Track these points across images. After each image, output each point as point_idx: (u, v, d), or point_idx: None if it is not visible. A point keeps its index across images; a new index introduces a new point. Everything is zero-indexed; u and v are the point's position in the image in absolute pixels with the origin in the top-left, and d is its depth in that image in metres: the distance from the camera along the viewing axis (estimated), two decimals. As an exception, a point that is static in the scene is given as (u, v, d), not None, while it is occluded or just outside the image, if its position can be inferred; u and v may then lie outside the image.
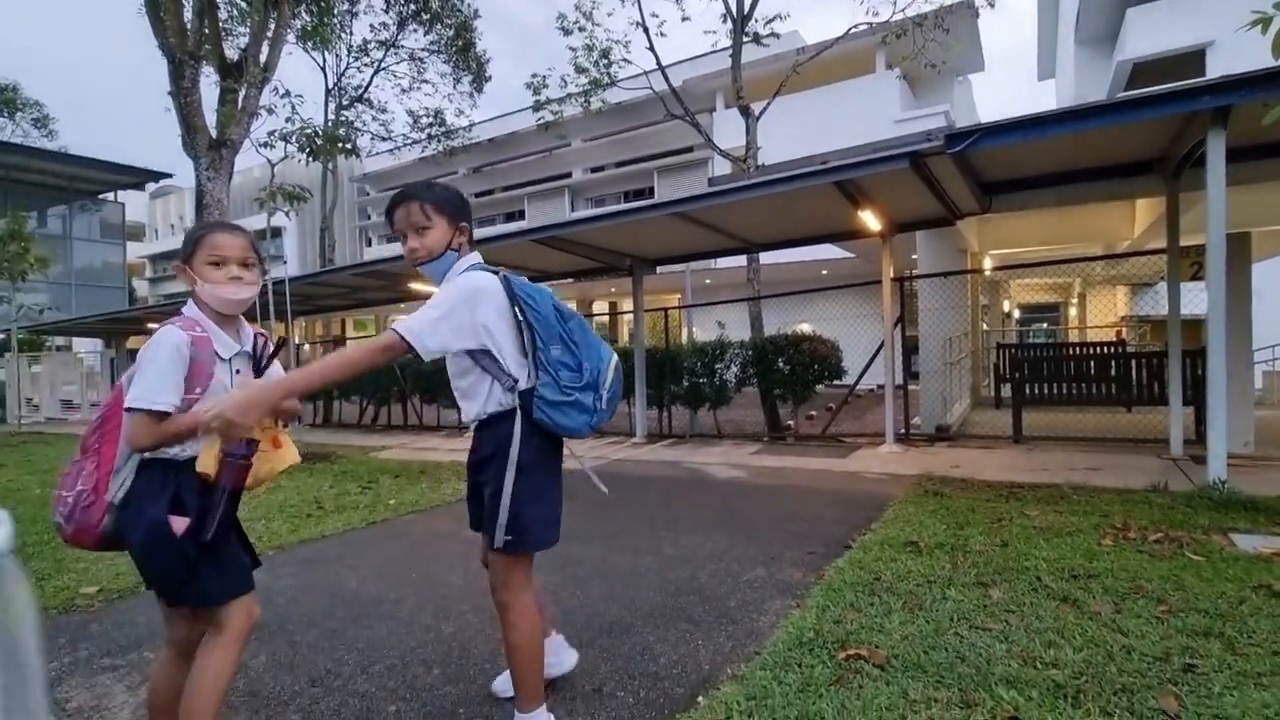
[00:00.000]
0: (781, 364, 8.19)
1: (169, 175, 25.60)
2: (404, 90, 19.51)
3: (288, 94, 13.17)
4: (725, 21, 11.04)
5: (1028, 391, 7.46)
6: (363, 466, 7.34)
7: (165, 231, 43.54)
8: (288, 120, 13.27)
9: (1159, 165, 5.77)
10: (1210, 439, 4.40)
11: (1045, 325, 20.59)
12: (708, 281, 19.44)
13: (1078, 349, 9.07)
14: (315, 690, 2.39)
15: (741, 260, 10.05)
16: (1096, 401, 7.21)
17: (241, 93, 10.31)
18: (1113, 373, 7.20)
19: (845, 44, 11.98)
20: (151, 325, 16.34)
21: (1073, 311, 18.83)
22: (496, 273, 1.99)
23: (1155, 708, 1.98)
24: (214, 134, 10.25)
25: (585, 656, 2.55)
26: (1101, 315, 16.54)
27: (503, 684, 2.27)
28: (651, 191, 25.84)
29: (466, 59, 18.10)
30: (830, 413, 8.50)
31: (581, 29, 12.46)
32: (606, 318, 26.79)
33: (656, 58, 11.68)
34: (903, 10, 10.98)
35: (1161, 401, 6.34)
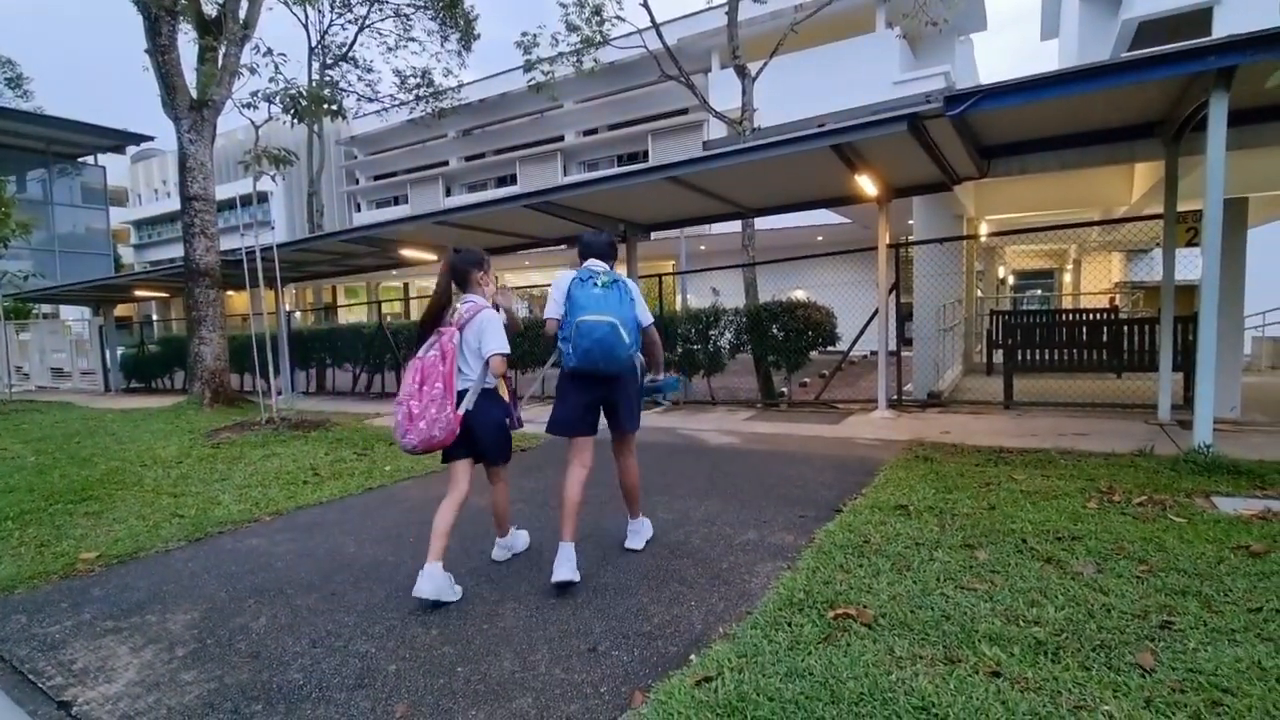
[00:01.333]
0: (776, 330, 8.18)
1: (150, 138, 24.99)
2: (390, 49, 18.94)
3: (270, 52, 12.77)
4: (721, -24, 10.72)
5: (1019, 358, 7.51)
6: (358, 434, 7.36)
7: (149, 196, 42.66)
8: (271, 80, 12.91)
9: (1160, 129, 5.70)
10: (1197, 403, 4.45)
11: (1040, 291, 20.62)
12: (702, 247, 19.29)
13: (1069, 315, 9.10)
14: (316, 651, 2.44)
15: (736, 226, 9.97)
16: (1087, 368, 7.27)
17: (221, 50, 9.99)
18: (1104, 339, 7.25)
19: (845, 1, 11.66)
20: (141, 293, 16.15)
21: (1067, 278, 18.83)
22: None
23: (1132, 663, 2.05)
24: (194, 94, 9.97)
25: (580, 617, 2.61)
26: (1096, 281, 16.56)
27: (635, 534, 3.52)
28: (645, 155, 25.40)
29: (454, 15, 17.54)
30: (823, 379, 8.54)
31: (573, -16, 12.07)
32: (600, 284, 26.72)
33: (650, 14, 11.35)
34: (904, -35, 10.68)
35: (1152, 368, 6.39)
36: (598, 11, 12.13)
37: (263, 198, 29.51)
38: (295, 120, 10.11)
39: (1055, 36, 25.85)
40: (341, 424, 8.15)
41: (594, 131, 27.64)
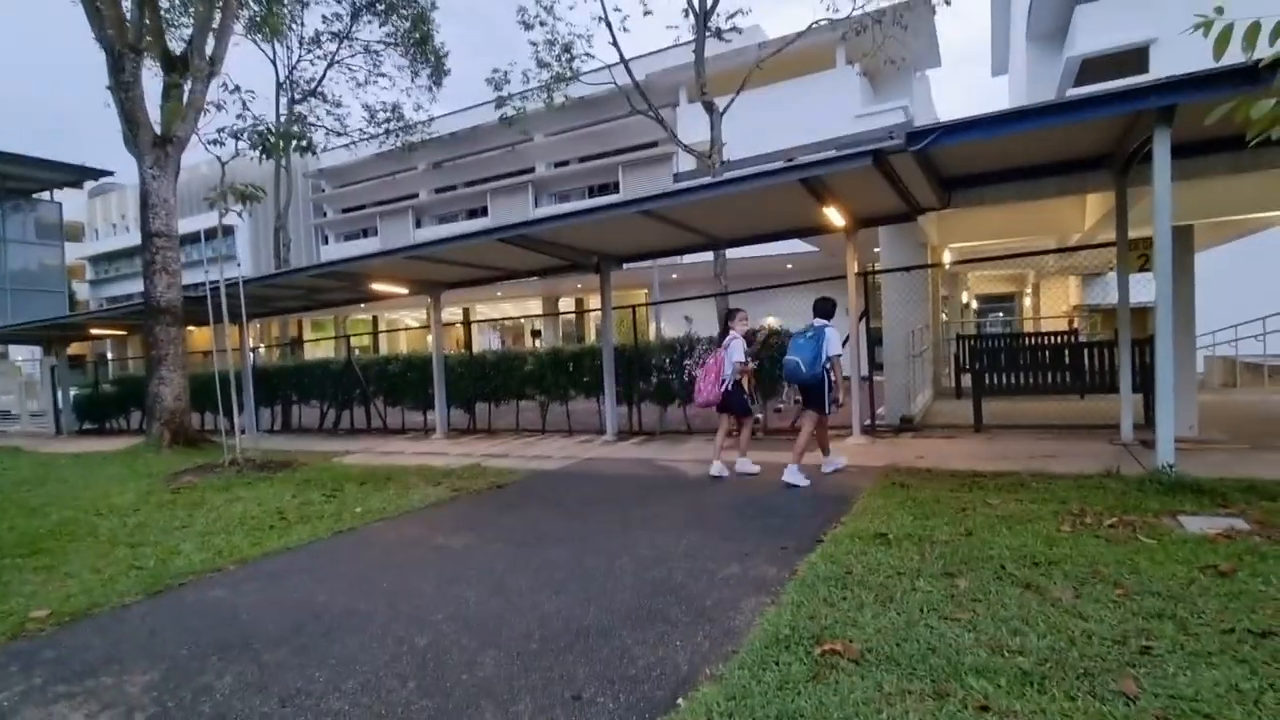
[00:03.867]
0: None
1: (109, 173, 24.41)
2: (359, 84, 19.00)
3: (237, 89, 12.70)
4: (687, 16, 11.04)
5: (986, 381, 7.69)
6: (326, 474, 7.15)
7: (107, 231, 41.60)
8: (238, 117, 12.82)
9: (1108, 161, 5.99)
10: (1158, 424, 4.60)
11: (1002, 315, 21.25)
12: (674, 277, 19.49)
13: (1032, 339, 9.39)
14: (286, 711, 2.32)
15: (708, 255, 10.11)
16: (1052, 390, 7.47)
17: (187, 87, 9.89)
18: (1066, 361, 7.48)
19: (806, 39, 12.11)
20: (96, 331, 15.63)
21: (1027, 301, 19.48)
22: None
23: (1116, 690, 2.06)
24: (158, 130, 9.82)
25: (563, 661, 2.54)
26: (1054, 305, 17.16)
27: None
28: (616, 186, 25.76)
29: (424, 51, 17.71)
30: (798, 405, 8.61)
31: (543, 23, 12.32)
32: (573, 315, 26.70)
33: (619, 52, 11.63)
34: (862, 6, 11.15)
35: (1113, 389, 6.60)
36: (567, 49, 12.38)
37: (227, 231, 29.01)
38: (264, 157, 10.02)
39: (1005, 73, 27.18)
40: (309, 463, 7.92)
41: (565, 164, 27.97)
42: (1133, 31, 15.81)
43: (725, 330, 6.02)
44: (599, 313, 9.27)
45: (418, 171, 30.73)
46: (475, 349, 11.39)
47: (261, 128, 11.23)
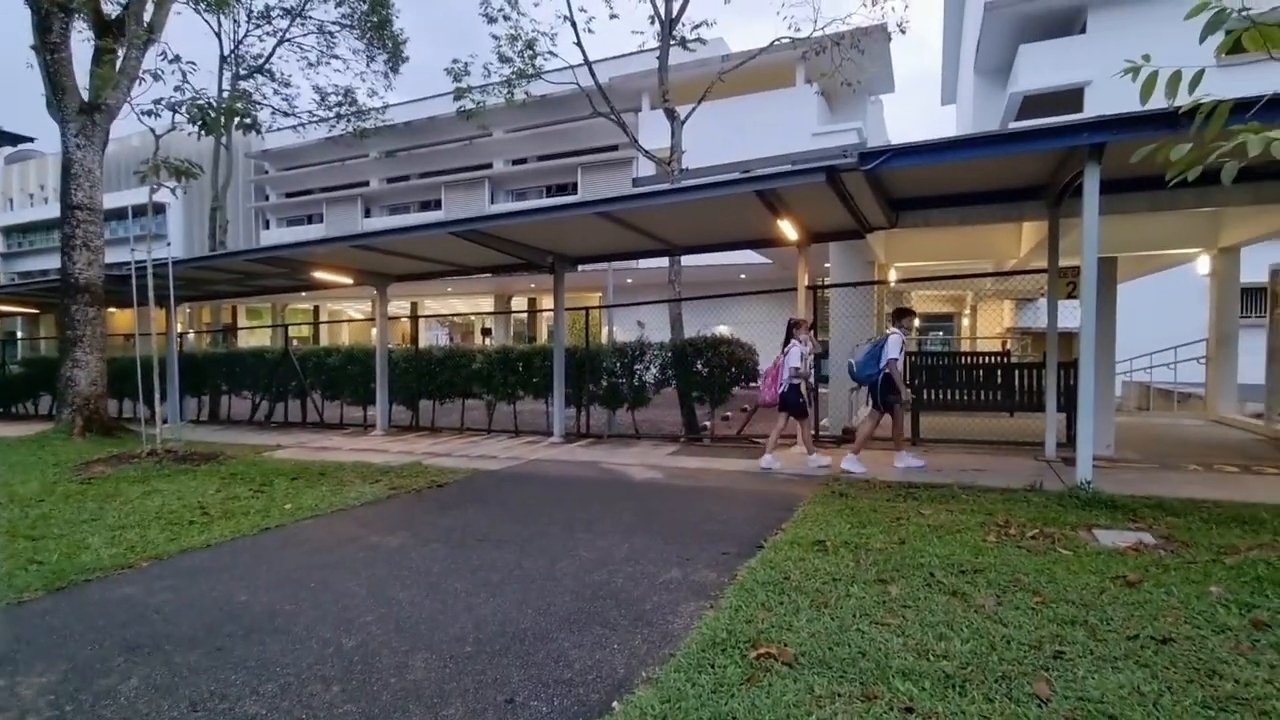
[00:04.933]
0: (700, 366, 8.34)
1: (29, 139, 22.70)
2: (311, 64, 18.29)
3: (177, 59, 12.02)
4: (653, 24, 11.11)
5: (925, 397, 7.99)
6: (255, 468, 6.82)
7: (22, 201, 38.70)
8: (177, 89, 12.14)
9: (1044, 192, 6.33)
10: (1079, 443, 4.88)
11: (941, 334, 22.18)
12: (629, 281, 19.53)
13: (968, 358, 9.82)
14: (196, 715, 2.19)
15: (663, 261, 10.17)
16: (985, 407, 7.83)
17: (121, 53, 9.31)
18: (998, 381, 7.85)
19: (768, 56, 12.36)
20: (5, 308, 14.51)
21: (965, 322, 20.39)
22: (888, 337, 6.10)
23: (1030, 693, 2.15)
24: (86, 96, 9.20)
25: (497, 665, 2.49)
26: (990, 326, 18.03)
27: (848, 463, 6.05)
28: (575, 187, 25.66)
29: (382, 36, 17.20)
30: (745, 414, 8.75)
31: (506, 18, 12.16)
32: (525, 315, 26.39)
33: (584, 53, 11.59)
34: (822, 29, 11.46)
35: (1039, 408, 6.96)
36: (530, 46, 12.26)
37: (159, 209, 27.48)
38: (203, 132, 9.51)
39: (954, 102, 28.45)
40: (237, 456, 7.54)
41: (523, 161, 27.68)
42: (1070, 73, 16.83)
43: (789, 337, 6.50)
44: (551, 313, 9.19)
45: (369, 159, 29.82)
46: (422, 344, 11.09)
47: (202, 102, 10.66)
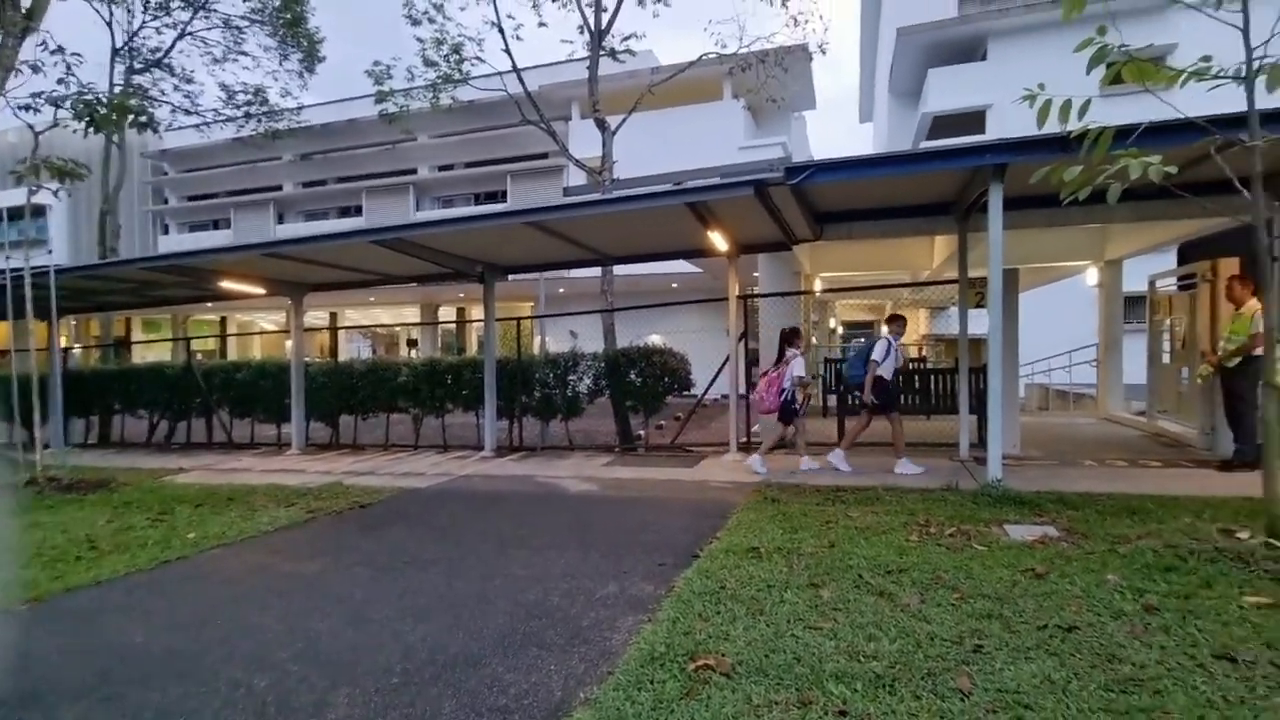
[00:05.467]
0: (634, 376, 8.34)
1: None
2: (216, 60, 17.17)
3: (60, 50, 10.99)
4: (582, 34, 11.12)
5: (849, 402, 8.30)
6: (153, 495, 6.27)
7: (-126, 198, 34.31)
8: (60, 82, 11.10)
9: (953, 208, 6.74)
10: (990, 445, 5.20)
11: (863, 341, 23.23)
12: (561, 290, 19.38)
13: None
14: (78, 780, 1.96)
15: (596, 271, 10.14)
16: (904, 411, 8.20)
17: (-6, 40, 8.41)
18: (916, 385, 8.27)
19: (696, 70, 12.62)
20: None
21: (884, 329, 21.41)
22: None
23: (954, 688, 2.24)
24: (-49, 85, 8.25)
25: (427, 695, 2.37)
26: (907, 334, 19.03)
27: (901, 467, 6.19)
28: (504, 195, 25.25)
29: (295, 34, 16.38)
30: (679, 422, 8.82)
31: (431, 20, 11.86)
32: (454, 325, 25.69)
33: (512, 60, 11.45)
34: (747, 46, 11.81)
35: (953, 411, 7.37)
36: (457, 50, 12.00)
37: (38, 212, 25.04)
38: (91, 130, 8.71)
39: (871, 121, 30.01)
40: (132, 483, 6.91)
41: (450, 168, 27.02)
42: (973, 96, 18.10)
43: (782, 348, 6.53)
44: (482, 323, 8.97)
45: (283, 162, 28.27)
46: (343, 357, 10.57)
47: (90, 97, 9.77)
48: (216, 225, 30.29)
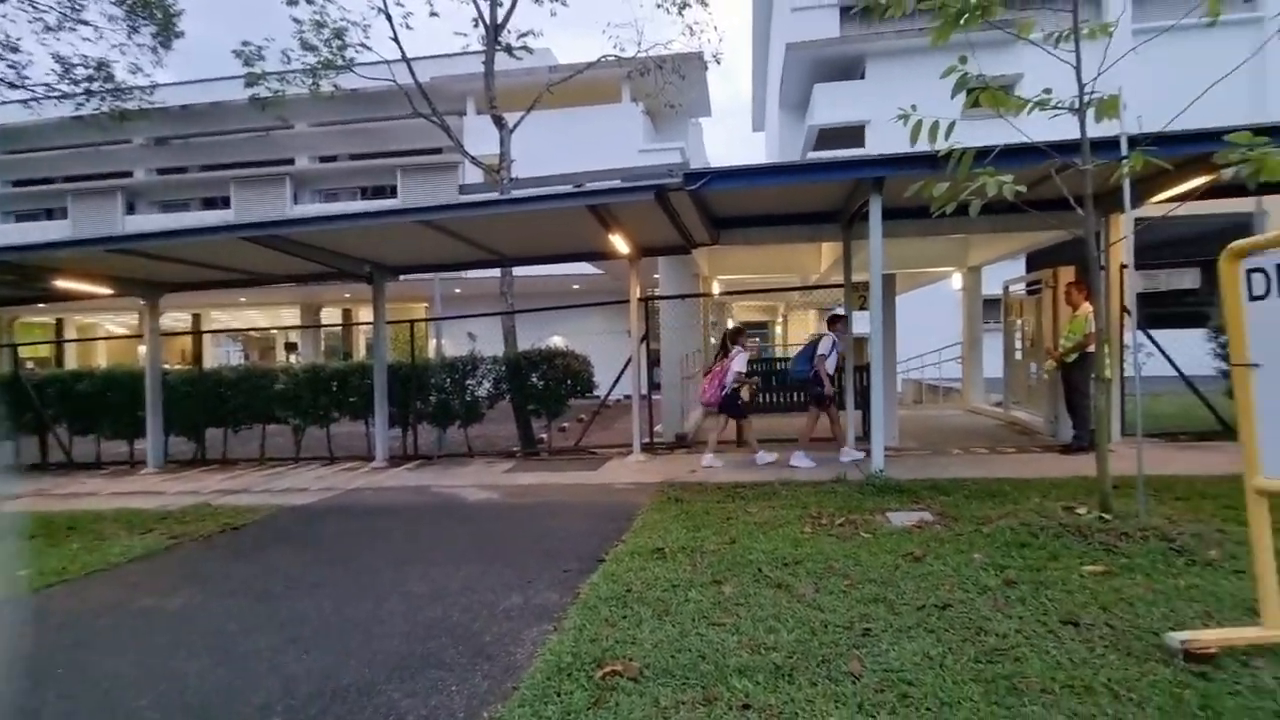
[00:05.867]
0: (536, 379, 8.20)
1: None
2: (49, 28, 15.04)
3: None
4: (477, 26, 10.78)
5: (746, 400, 8.62)
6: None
7: None
8: None
9: (838, 216, 7.18)
10: (873, 438, 5.58)
11: (759, 340, 24.27)
12: (458, 291, 18.70)
13: (783, 364, 10.82)
14: None
15: (495, 271, 9.86)
16: (798, 407, 8.67)
17: None
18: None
19: (595, 71, 12.61)
20: None
21: (779, 329, 22.52)
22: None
23: (846, 672, 2.37)
24: None
25: (313, 736, 2.18)
26: (798, 334, 20.15)
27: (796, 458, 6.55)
28: (394, 190, 24.02)
29: (147, 5, 14.68)
30: (582, 424, 8.77)
31: (310, 1, 11.03)
32: (340, 328, 24.10)
33: (400, 48, 10.88)
34: (645, 51, 11.96)
35: (841, 405, 7.83)
36: (339, 35, 11.25)
37: None
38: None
39: (763, 130, 31.39)
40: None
41: (333, 159, 25.33)
42: (854, 111, 19.43)
43: (725, 345, 6.87)
44: (371, 326, 8.46)
45: (133, 145, 25.27)
46: (209, 364, 9.59)
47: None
48: (50, 215, 26.55)
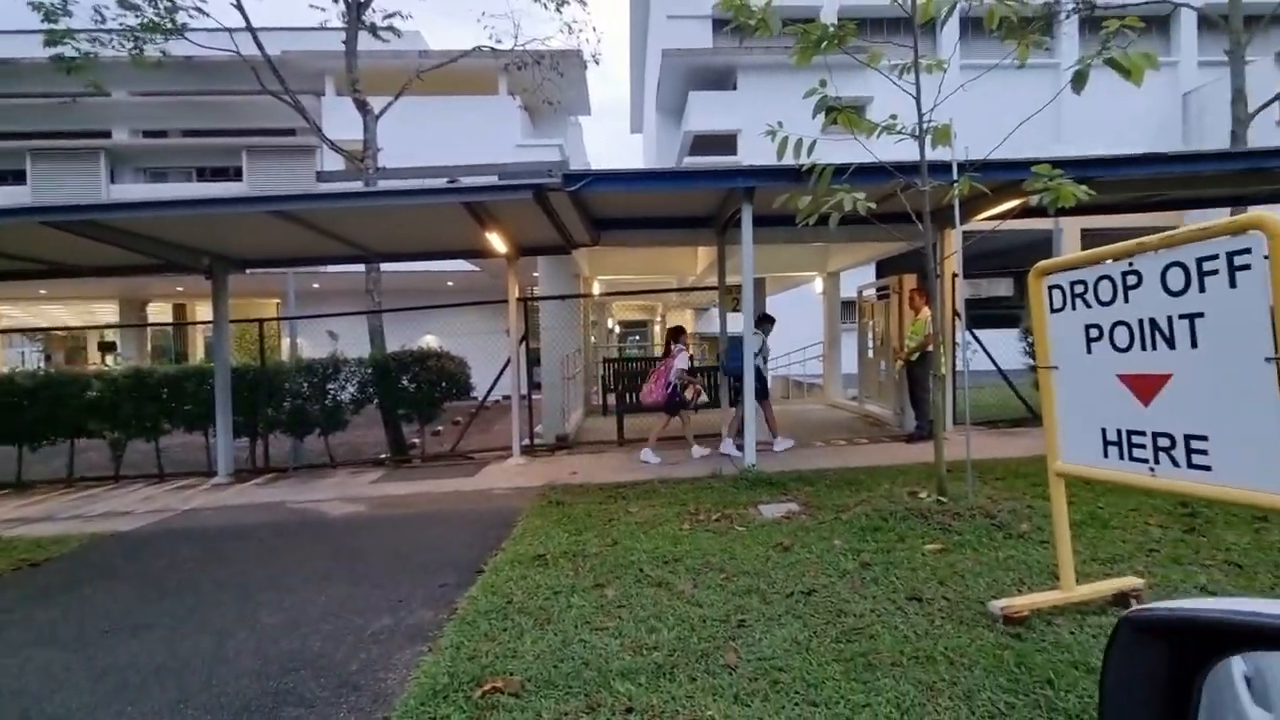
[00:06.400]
0: (407, 381, 7.76)
1: None
2: None
3: None
4: (337, 2, 9.97)
5: (627, 400, 8.74)
6: None
7: None
8: None
9: (713, 222, 7.46)
10: (745, 434, 5.86)
11: (638, 339, 24.70)
12: (316, 287, 17.23)
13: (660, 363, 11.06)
14: None
15: (359, 265, 9.18)
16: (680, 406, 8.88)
17: None
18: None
19: (471, 61, 12.13)
20: None
21: (657, 328, 23.06)
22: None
23: (724, 665, 2.47)
24: None
25: (139, 803, 1.90)
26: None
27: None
28: (238, 173, 21.57)
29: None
30: (458, 425, 8.42)
31: (131, -49, 9.62)
32: (170, 327, 21.26)
33: (245, 16, 9.79)
34: (523, 45, 11.70)
35: (717, 405, 8.18)
36: (170, -6, 9.90)
37: None
38: None
39: (641, 132, 31.92)
40: None
41: (163, 134, 22.34)
42: (726, 120, 20.32)
43: (668, 345, 7.16)
44: (211, 325, 7.55)
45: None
46: None
47: None
48: None
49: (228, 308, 7.51)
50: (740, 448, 6.44)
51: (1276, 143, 6.68)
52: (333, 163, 16.70)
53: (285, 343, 11.60)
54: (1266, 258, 1.85)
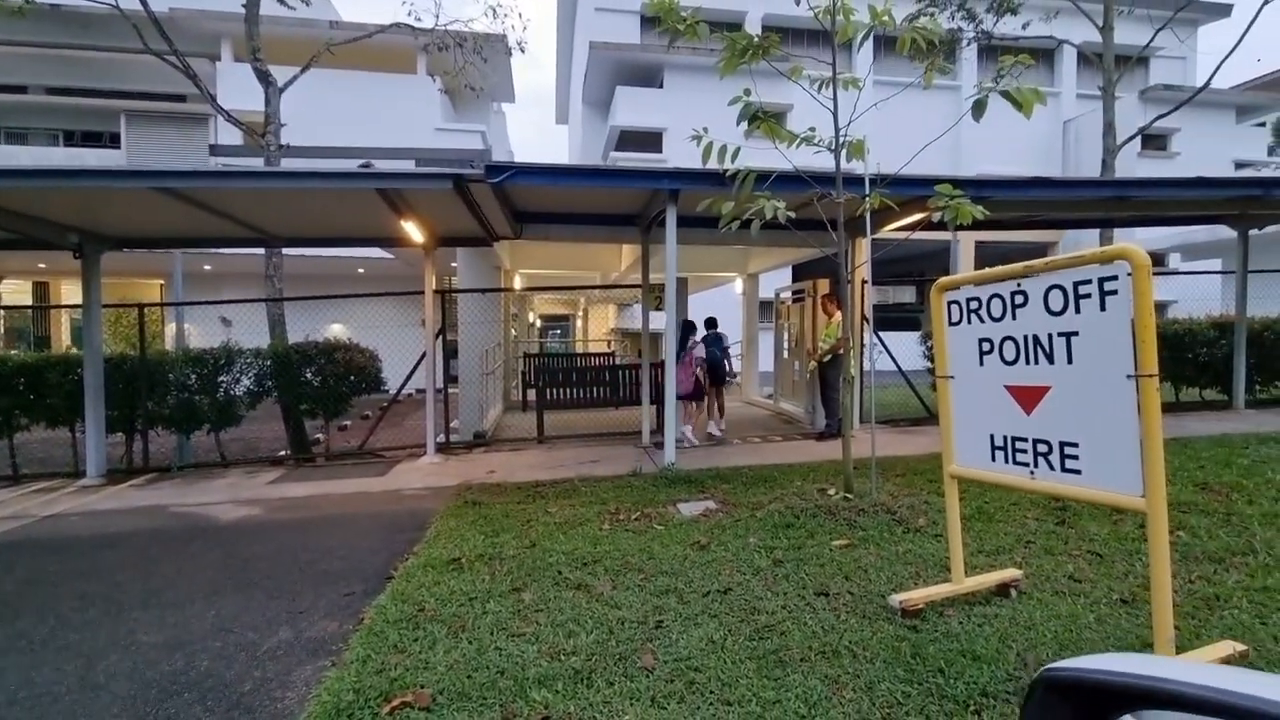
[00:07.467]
0: (311, 375, 7.29)
1: None
2: None
3: None
4: (237, -40, 9.16)
5: (548, 396, 8.63)
6: None
7: None
8: None
9: (638, 220, 7.47)
10: (665, 432, 5.92)
11: (559, 334, 24.42)
12: (207, 269, 15.87)
13: (582, 360, 11.03)
14: None
15: (258, 248, 8.53)
16: (597, 403, 8.89)
17: None
18: (606, 379, 9.01)
19: (387, 37, 11.52)
20: None
21: (579, 323, 22.89)
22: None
23: (641, 667, 2.49)
24: None
25: None
26: (599, 328, 20.67)
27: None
28: (115, 139, 19.50)
29: None
30: (367, 420, 8.03)
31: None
32: (30, 310, 18.94)
33: (128, -33, 8.82)
34: (445, 26, 11.24)
35: (636, 401, 8.22)
36: (35, -67, 8.75)
37: None
38: None
39: (567, 123, 31.49)
40: None
41: (21, 90, 19.82)
42: (653, 118, 20.40)
43: (685, 338, 7.55)
44: (80, 309, 6.77)
45: None
46: None
47: None
48: None
49: (100, 290, 6.77)
50: (704, 435, 7.70)
51: (1139, 173, 7.50)
52: (229, 136, 15.46)
53: (170, 329, 10.60)
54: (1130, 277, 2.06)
